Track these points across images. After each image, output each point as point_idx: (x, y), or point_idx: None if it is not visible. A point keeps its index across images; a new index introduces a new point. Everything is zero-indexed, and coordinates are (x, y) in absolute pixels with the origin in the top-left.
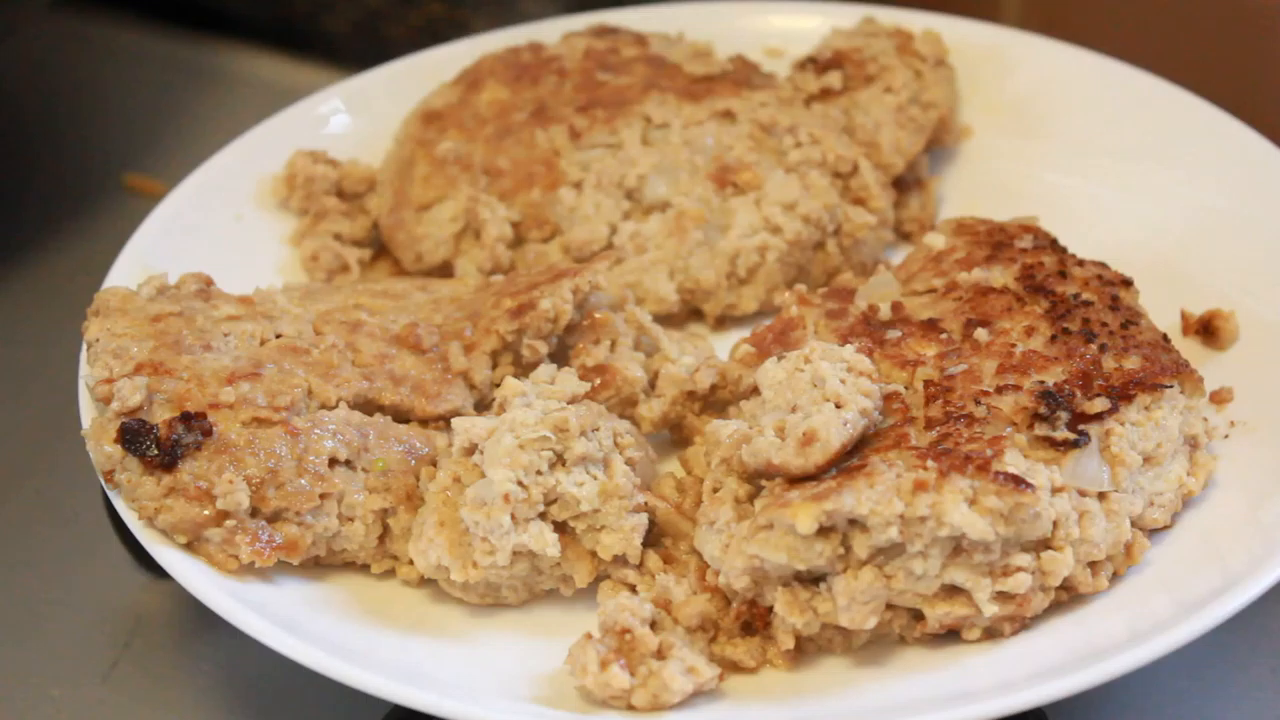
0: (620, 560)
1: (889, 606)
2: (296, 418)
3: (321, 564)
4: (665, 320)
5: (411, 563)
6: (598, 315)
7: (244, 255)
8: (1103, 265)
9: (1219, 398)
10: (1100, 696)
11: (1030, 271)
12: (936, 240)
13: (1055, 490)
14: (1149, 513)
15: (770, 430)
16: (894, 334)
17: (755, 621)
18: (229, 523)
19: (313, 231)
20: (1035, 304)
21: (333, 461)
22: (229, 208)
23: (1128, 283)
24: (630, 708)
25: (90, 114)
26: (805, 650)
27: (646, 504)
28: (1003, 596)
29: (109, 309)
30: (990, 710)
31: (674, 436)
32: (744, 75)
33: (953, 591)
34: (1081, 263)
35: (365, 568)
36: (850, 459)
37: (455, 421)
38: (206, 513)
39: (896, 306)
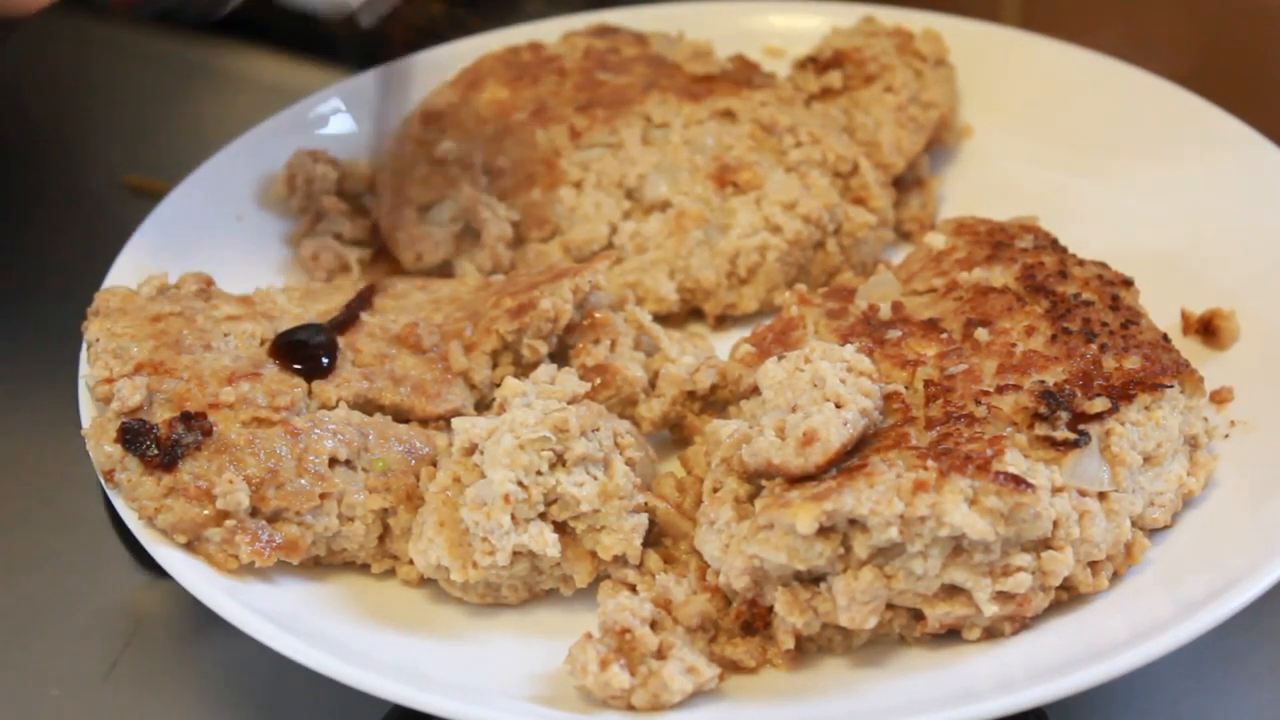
0: (620, 560)
1: (889, 606)
2: (296, 418)
3: (321, 564)
4: (665, 320)
5: (411, 563)
6: (598, 315)
7: (244, 255)
8: (1103, 265)
9: (1219, 398)
10: (1100, 696)
11: (1030, 271)
12: (937, 240)
13: (1055, 490)
14: (1149, 513)
15: (770, 430)
16: (894, 334)
17: (755, 621)
18: (229, 523)
19: (313, 231)
20: (1035, 304)
21: (333, 461)
22: (229, 208)
23: (1128, 283)
24: (630, 708)
25: (90, 114)
26: (805, 650)
27: (646, 504)
28: (1003, 596)
29: (109, 309)
30: (990, 710)
31: (674, 436)
32: (744, 75)
33: (953, 591)
34: (1082, 263)
35: (365, 568)
36: (850, 459)
37: (455, 421)
38: (206, 513)
39: (896, 306)
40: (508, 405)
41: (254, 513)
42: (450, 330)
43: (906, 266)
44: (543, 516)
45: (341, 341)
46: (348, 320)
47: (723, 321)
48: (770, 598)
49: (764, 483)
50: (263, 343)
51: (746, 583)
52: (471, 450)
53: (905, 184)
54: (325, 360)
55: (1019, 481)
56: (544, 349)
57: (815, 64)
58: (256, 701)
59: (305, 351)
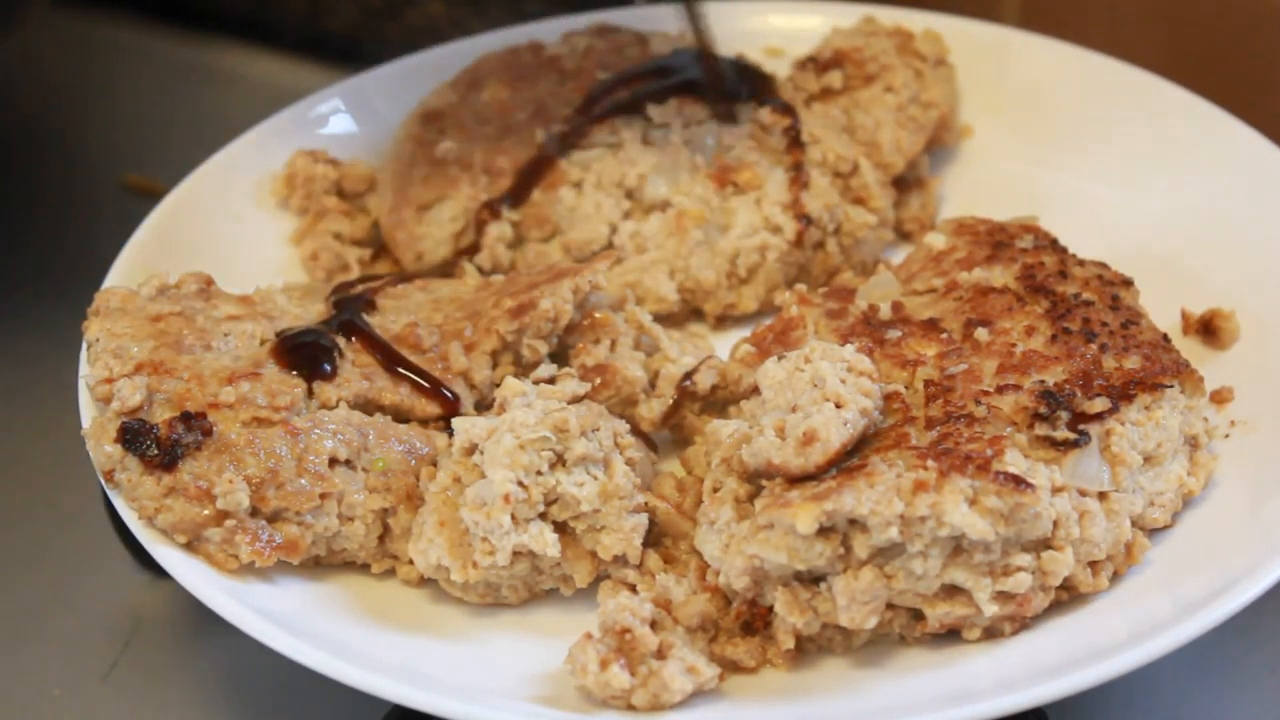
0: (620, 560)
1: (889, 606)
2: (296, 417)
3: (321, 564)
4: (665, 320)
5: (411, 563)
6: (598, 315)
7: (244, 255)
8: (1103, 265)
9: (1219, 397)
10: (1100, 696)
11: (1030, 271)
12: (937, 240)
13: (1055, 490)
14: (1149, 512)
15: (770, 430)
16: (894, 334)
17: (755, 621)
18: (229, 523)
19: (313, 231)
20: (1035, 304)
21: (333, 461)
22: (229, 208)
23: (1128, 283)
24: (630, 708)
25: (90, 114)
26: (805, 650)
27: (646, 504)
28: (1003, 596)
29: (109, 309)
30: (990, 710)
31: (674, 436)
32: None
33: (953, 591)
34: (1082, 263)
35: (365, 568)
36: (850, 459)
37: (455, 421)
38: (206, 512)
39: (897, 306)
40: (508, 405)
41: (254, 513)
42: (450, 330)
43: (906, 266)
44: (543, 516)
45: (341, 342)
46: (351, 323)
47: (723, 321)
48: (770, 598)
49: (764, 483)
50: (263, 343)
51: (746, 583)
52: (471, 450)
53: (905, 184)
54: (328, 367)
55: (1019, 481)
56: (544, 349)
57: (815, 64)
58: (256, 701)
59: (310, 356)
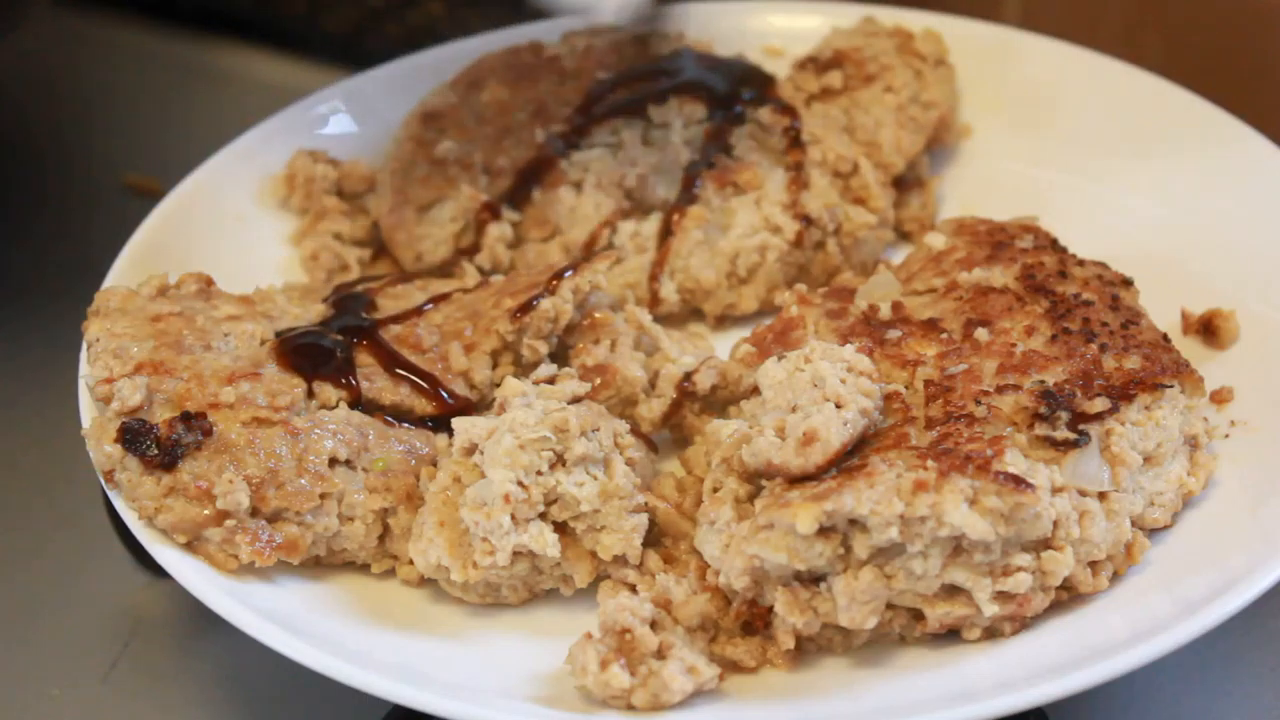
0: (620, 560)
1: (889, 606)
2: (296, 417)
3: (321, 564)
4: (665, 320)
5: (411, 563)
6: (598, 315)
7: (244, 255)
8: (1103, 265)
9: (1219, 398)
10: (1100, 696)
11: (1030, 271)
12: (937, 240)
13: (1055, 490)
14: (1149, 512)
15: (770, 430)
16: (894, 334)
17: (755, 621)
18: (229, 522)
19: (313, 231)
20: (1035, 304)
21: (333, 461)
22: (229, 208)
23: (1128, 283)
24: (630, 708)
25: (90, 114)
26: (805, 650)
27: (646, 504)
28: (1003, 596)
29: (109, 309)
30: (990, 710)
31: (674, 436)
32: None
33: (953, 591)
34: (1082, 263)
35: (365, 568)
36: (850, 459)
37: (455, 421)
38: (206, 512)
39: (897, 306)
40: (508, 405)
41: (254, 513)
42: (450, 330)
43: (906, 266)
44: (543, 516)
45: (342, 342)
46: (356, 326)
47: (723, 321)
48: (770, 598)
49: (764, 483)
50: (263, 343)
51: (746, 583)
52: (471, 450)
53: (905, 184)
54: (346, 378)
55: (1019, 481)
56: (544, 349)
57: (815, 64)
58: (256, 701)
59: (310, 356)
